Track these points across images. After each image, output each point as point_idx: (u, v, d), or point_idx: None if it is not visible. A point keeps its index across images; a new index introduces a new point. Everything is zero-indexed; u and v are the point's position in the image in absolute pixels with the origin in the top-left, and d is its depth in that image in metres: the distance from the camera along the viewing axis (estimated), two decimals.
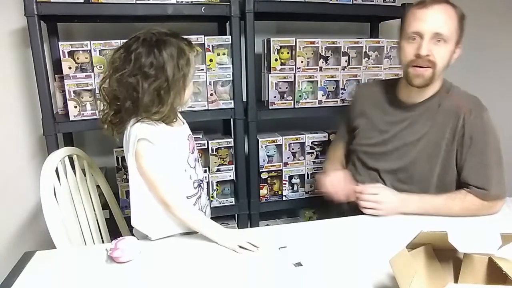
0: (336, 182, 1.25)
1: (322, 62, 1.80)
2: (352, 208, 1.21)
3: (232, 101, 1.71)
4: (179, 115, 1.21)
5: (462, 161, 1.17)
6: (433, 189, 1.21)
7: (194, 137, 1.23)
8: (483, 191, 1.14)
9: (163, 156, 1.07)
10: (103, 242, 1.33)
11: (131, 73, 1.01)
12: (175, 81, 1.03)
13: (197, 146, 1.55)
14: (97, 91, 1.56)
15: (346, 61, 1.82)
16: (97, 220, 1.35)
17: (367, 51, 1.82)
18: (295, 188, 1.89)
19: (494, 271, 0.75)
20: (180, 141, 1.14)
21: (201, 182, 1.19)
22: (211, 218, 1.18)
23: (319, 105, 1.81)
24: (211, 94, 1.68)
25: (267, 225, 2.02)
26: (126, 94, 1.03)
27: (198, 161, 1.21)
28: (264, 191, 1.90)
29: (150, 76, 1.01)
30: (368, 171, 1.30)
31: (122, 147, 1.67)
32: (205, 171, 1.74)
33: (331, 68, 1.81)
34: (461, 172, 1.18)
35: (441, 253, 0.82)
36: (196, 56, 1.24)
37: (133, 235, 1.14)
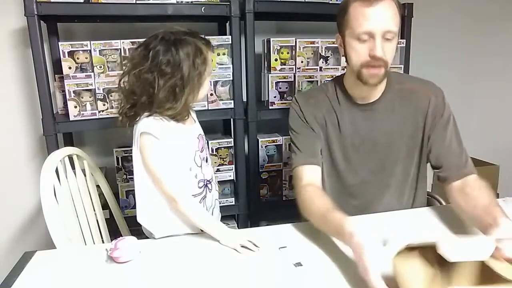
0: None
1: (322, 62, 1.80)
2: None
3: (232, 101, 1.71)
4: (193, 114, 1.22)
5: (438, 144, 1.15)
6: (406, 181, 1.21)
7: None
8: (464, 170, 1.11)
9: (168, 151, 1.07)
10: (103, 242, 1.33)
11: (148, 69, 1.05)
12: (190, 79, 1.06)
13: None
14: (97, 91, 1.57)
15: (346, 61, 1.81)
16: (97, 220, 1.35)
17: None
18: None
19: (486, 273, 0.74)
20: (188, 138, 1.15)
21: (208, 182, 1.19)
22: None
23: None
24: (211, 94, 1.68)
25: (267, 225, 2.01)
26: (142, 90, 1.07)
27: (206, 161, 1.21)
28: (264, 191, 1.90)
29: (166, 73, 1.04)
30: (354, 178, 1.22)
31: (122, 147, 1.69)
32: None
33: (331, 68, 1.81)
34: (437, 156, 1.15)
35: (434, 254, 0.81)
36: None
37: (133, 234, 1.14)
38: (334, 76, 1.78)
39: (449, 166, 1.14)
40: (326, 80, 1.79)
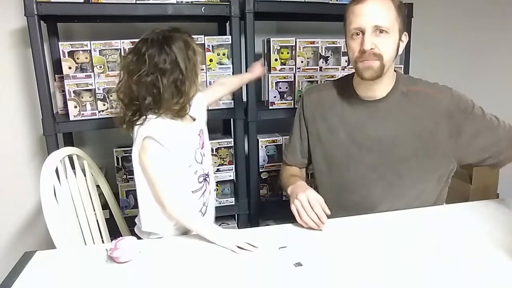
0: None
1: (322, 62, 1.80)
2: None
3: (232, 101, 1.71)
4: (192, 109, 1.22)
5: (484, 134, 1.17)
6: (434, 181, 1.21)
7: None
8: None
9: (169, 155, 1.08)
10: (103, 242, 1.33)
11: (148, 72, 1.06)
12: (188, 71, 1.08)
13: None
14: (97, 91, 1.57)
15: (346, 61, 1.82)
16: (97, 220, 1.35)
17: None
18: None
19: None
20: (190, 137, 1.16)
21: (206, 176, 1.21)
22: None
23: None
24: None
25: (267, 225, 2.01)
26: (145, 92, 1.07)
27: (205, 156, 1.22)
28: (264, 191, 1.90)
29: (166, 71, 1.06)
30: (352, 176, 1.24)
31: (122, 147, 1.69)
32: None
33: (331, 68, 1.82)
34: (488, 145, 1.18)
35: None
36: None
37: (133, 234, 1.15)
38: (334, 76, 1.81)
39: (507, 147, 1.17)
40: (326, 80, 1.79)
